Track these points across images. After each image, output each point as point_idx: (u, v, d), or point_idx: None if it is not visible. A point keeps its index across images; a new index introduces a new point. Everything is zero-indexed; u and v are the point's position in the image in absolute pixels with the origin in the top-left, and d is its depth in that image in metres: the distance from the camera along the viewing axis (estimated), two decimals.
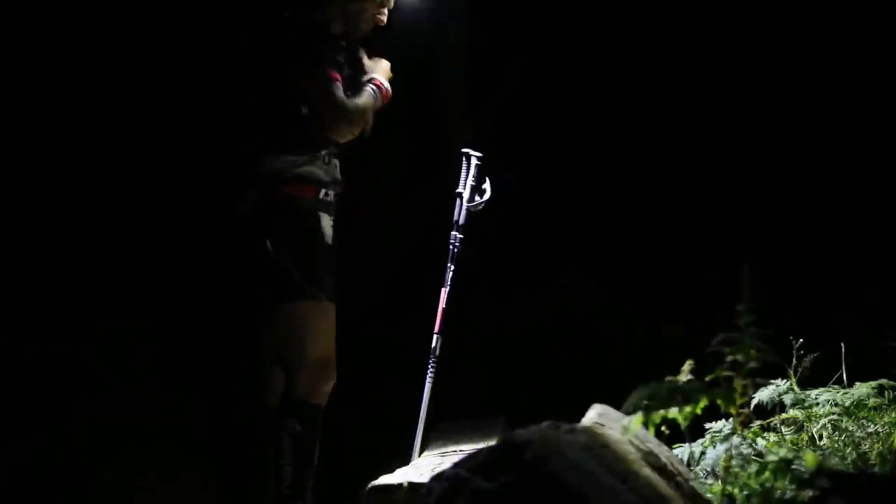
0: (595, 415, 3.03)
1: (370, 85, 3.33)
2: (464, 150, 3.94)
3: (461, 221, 3.87)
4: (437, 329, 3.85)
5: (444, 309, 3.82)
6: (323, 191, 3.12)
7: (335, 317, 3.17)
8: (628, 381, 4.95)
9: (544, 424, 2.45)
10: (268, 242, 2.97)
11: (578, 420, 3.14)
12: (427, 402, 3.85)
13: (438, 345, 3.85)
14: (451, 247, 3.83)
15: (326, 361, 3.09)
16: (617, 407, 4.69)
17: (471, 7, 7.59)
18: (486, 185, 3.80)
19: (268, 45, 3.06)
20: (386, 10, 3.32)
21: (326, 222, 3.15)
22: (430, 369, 3.82)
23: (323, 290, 3.06)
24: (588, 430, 2.58)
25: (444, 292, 3.81)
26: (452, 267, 3.80)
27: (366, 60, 3.43)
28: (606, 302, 6.12)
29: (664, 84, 7.34)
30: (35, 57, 6.62)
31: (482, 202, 3.84)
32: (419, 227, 7.80)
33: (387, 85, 3.40)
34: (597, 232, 7.09)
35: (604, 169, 7.55)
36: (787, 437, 3.80)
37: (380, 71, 3.41)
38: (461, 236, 3.86)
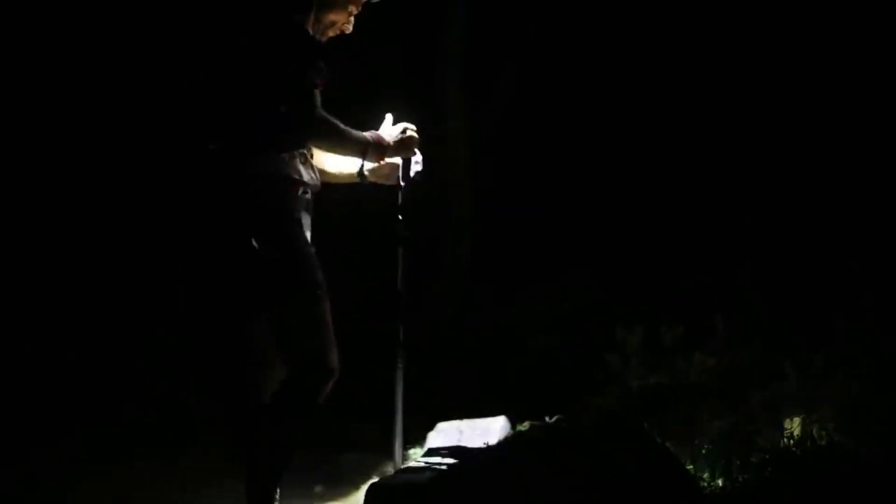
0: None
1: (371, 133, 3.27)
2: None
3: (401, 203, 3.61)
4: (398, 318, 3.62)
5: (401, 294, 3.58)
6: (301, 189, 3.10)
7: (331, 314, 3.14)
8: (627, 381, 4.97)
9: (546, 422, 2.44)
10: (253, 241, 2.95)
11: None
12: (401, 395, 3.68)
13: (402, 333, 3.63)
14: (397, 232, 3.57)
15: (329, 358, 3.08)
16: (617, 405, 4.71)
17: (469, 5, 7.61)
18: (418, 157, 3.52)
19: (256, 44, 3.04)
20: (353, 20, 3.32)
21: (306, 221, 3.14)
22: (400, 360, 3.64)
23: (320, 286, 3.05)
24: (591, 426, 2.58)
25: (399, 276, 3.57)
26: (401, 251, 3.54)
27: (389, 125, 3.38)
28: (606, 301, 6.12)
29: (665, 88, 7.36)
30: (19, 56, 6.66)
31: (416, 172, 3.55)
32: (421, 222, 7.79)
33: (387, 141, 3.29)
34: (596, 232, 7.10)
35: (603, 169, 7.57)
36: None
37: (392, 132, 3.34)
38: (401, 217, 3.60)
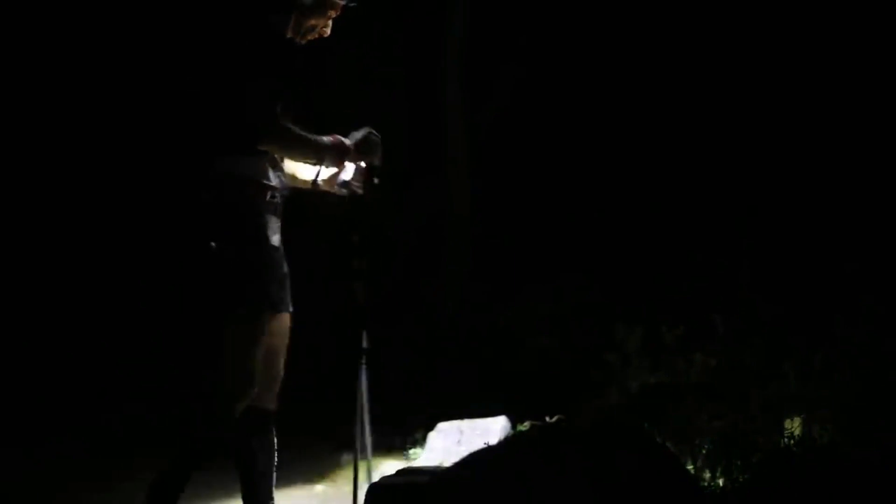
0: None
1: (331, 137, 3.16)
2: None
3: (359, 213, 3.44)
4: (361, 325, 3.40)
5: (363, 303, 3.38)
6: (270, 193, 3.09)
7: (275, 328, 3.07)
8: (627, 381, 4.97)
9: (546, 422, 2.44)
10: (213, 245, 2.96)
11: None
12: (365, 399, 3.47)
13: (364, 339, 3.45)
14: (353, 256, 3.37)
15: (244, 380, 3.02)
16: (617, 405, 4.71)
17: (469, 7, 7.62)
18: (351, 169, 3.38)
19: (225, 47, 3.05)
20: (331, 23, 3.31)
21: (275, 224, 3.12)
22: (363, 367, 3.42)
23: (266, 300, 3.02)
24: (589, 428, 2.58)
25: (359, 287, 3.35)
26: (359, 260, 3.34)
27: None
28: (606, 301, 6.11)
29: (663, 91, 7.36)
30: None
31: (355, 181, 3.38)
32: (421, 223, 7.84)
33: (347, 143, 3.16)
34: (597, 232, 7.10)
35: (603, 171, 7.58)
36: None
37: (355, 139, 3.17)
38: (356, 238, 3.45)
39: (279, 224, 3.12)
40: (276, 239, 3.09)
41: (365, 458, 3.26)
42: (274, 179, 3.11)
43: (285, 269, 3.10)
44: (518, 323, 6.40)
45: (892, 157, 6.33)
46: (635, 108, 7.50)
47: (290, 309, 3.13)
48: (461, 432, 4.43)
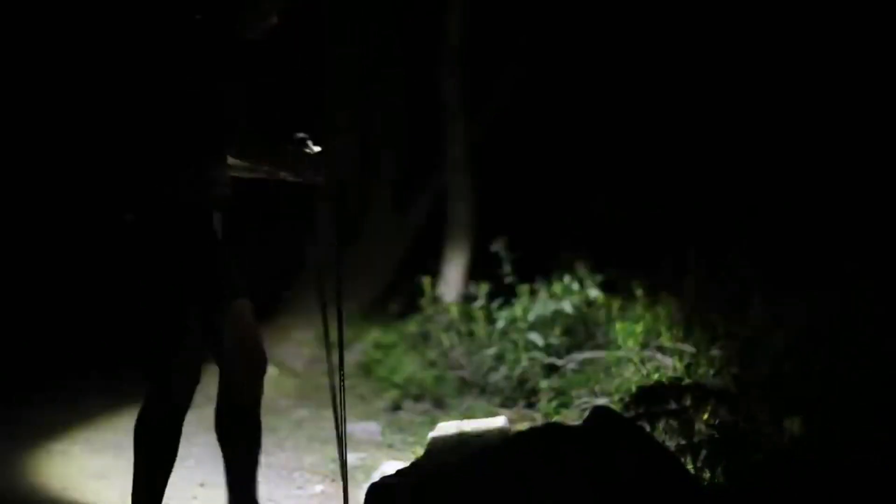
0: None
1: (292, 149, 3.18)
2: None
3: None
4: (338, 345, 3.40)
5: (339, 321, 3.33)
6: (214, 187, 3.10)
7: (234, 317, 3.06)
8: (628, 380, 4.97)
9: (546, 422, 2.44)
10: (157, 246, 3.00)
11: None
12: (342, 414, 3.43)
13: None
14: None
15: (163, 375, 3.06)
16: (617, 405, 4.71)
17: (468, 4, 7.62)
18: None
19: (176, 46, 3.06)
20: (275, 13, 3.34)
21: (216, 216, 3.13)
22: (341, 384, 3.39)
23: (191, 297, 3.04)
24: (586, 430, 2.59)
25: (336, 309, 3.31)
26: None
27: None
28: (606, 299, 6.11)
29: (663, 88, 7.37)
30: None
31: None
32: (421, 223, 7.84)
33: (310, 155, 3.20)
34: (595, 233, 7.12)
35: (602, 171, 7.60)
36: None
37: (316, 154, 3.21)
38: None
39: (220, 217, 3.15)
40: (219, 231, 3.12)
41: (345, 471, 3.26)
42: (220, 176, 3.13)
43: (232, 260, 3.13)
44: (518, 321, 6.39)
45: (892, 157, 6.33)
46: (635, 108, 7.51)
47: (246, 297, 3.12)
48: (461, 432, 4.41)
